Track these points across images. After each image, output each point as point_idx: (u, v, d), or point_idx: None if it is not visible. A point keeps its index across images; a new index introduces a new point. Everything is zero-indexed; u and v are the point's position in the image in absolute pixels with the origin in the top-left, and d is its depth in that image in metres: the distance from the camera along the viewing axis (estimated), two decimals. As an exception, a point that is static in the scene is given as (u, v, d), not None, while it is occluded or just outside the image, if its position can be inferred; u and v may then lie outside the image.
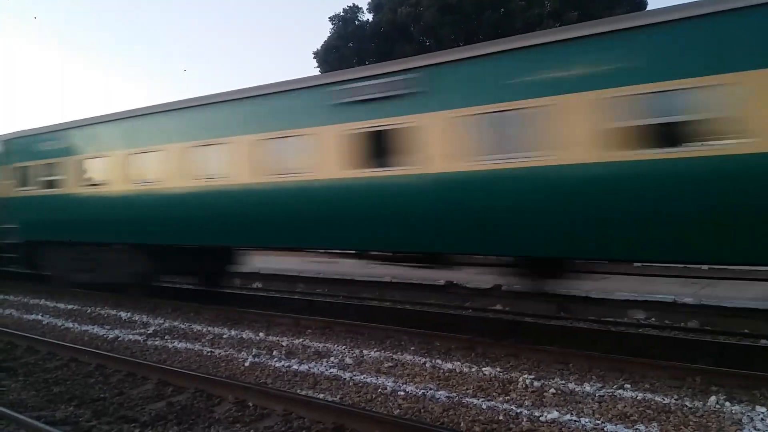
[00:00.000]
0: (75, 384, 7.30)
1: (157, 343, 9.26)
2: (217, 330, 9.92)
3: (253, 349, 8.57)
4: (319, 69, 30.56)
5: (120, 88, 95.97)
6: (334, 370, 7.39)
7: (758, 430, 5.28)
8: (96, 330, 10.32)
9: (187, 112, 10.85)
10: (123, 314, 11.56)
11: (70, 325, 10.86)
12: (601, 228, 6.73)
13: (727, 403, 5.84)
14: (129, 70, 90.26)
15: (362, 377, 7.09)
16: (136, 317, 11.26)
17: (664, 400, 5.99)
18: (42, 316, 11.81)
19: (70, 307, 12.60)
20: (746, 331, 8.92)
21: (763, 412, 5.58)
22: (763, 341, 8.36)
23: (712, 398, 5.97)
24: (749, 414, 5.58)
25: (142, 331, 10.13)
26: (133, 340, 9.52)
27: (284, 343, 8.82)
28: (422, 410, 5.97)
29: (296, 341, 8.91)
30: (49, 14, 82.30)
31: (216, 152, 10.28)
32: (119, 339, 9.64)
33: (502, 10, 25.98)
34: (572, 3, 23.91)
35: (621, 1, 25.18)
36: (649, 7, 25.29)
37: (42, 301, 13.37)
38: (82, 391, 7.00)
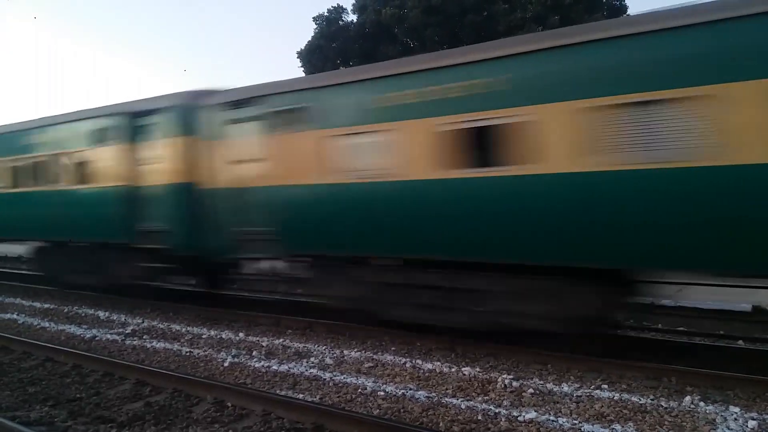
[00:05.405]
0: (51, 384, 7.20)
1: (135, 342, 9.16)
2: (196, 330, 9.84)
3: (233, 350, 8.52)
4: (302, 69, 30.48)
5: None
6: (314, 371, 7.38)
7: (731, 429, 5.37)
8: (73, 329, 10.17)
9: None
10: (101, 313, 11.42)
11: (47, 324, 10.69)
12: None
13: (702, 403, 5.93)
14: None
15: (342, 377, 7.09)
16: (115, 317, 11.13)
17: (640, 400, 6.08)
18: (18, 315, 11.62)
19: (46, 306, 12.40)
20: (721, 332, 9.07)
21: (736, 412, 5.68)
22: (739, 342, 8.51)
23: (687, 398, 6.07)
24: (723, 414, 5.68)
25: (121, 330, 10.02)
26: (111, 339, 9.41)
27: (264, 343, 8.78)
28: (402, 410, 5.99)
29: (276, 341, 8.87)
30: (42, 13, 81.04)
31: None
32: (97, 338, 9.52)
33: (485, 13, 26.13)
34: (553, 7, 24.11)
35: (600, 5, 25.48)
36: (629, 12, 25.55)
37: (18, 300, 13.14)
38: (57, 391, 6.91)
